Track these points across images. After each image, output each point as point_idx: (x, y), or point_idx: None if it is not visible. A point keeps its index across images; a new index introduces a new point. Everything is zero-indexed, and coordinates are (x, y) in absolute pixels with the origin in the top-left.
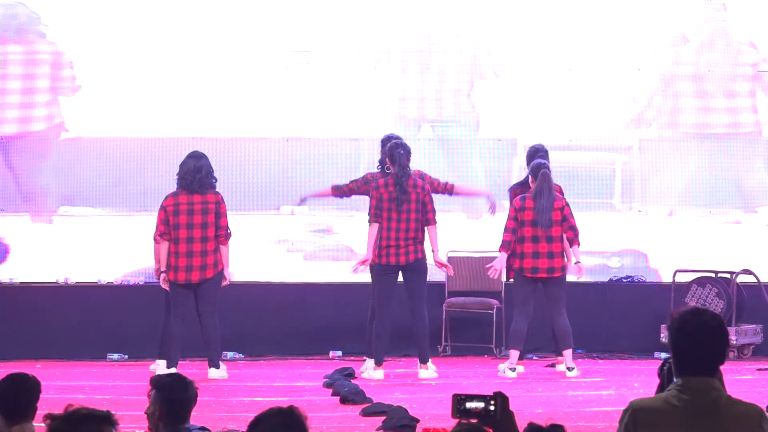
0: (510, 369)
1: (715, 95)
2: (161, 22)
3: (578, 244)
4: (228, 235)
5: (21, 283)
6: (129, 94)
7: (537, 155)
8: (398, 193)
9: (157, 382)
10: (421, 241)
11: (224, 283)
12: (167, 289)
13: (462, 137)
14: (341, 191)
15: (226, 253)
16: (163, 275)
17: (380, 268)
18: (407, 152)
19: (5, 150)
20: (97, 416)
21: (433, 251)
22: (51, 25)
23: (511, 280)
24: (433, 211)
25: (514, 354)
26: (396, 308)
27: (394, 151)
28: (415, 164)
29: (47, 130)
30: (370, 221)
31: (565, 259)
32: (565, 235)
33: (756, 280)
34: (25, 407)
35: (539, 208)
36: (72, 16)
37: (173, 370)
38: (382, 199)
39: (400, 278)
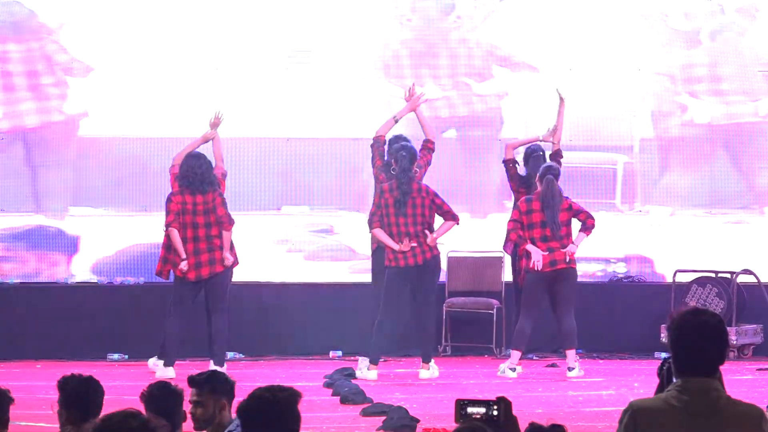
0: (510, 369)
1: (719, 96)
2: (161, 22)
3: (588, 234)
4: (231, 221)
5: (21, 283)
6: (129, 94)
7: (533, 155)
8: (402, 196)
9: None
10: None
11: (228, 263)
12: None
13: (463, 136)
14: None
15: (228, 238)
16: (183, 263)
17: (392, 270)
18: (411, 155)
19: (5, 150)
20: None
21: (432, 233)
22: (50, 25)
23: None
24: (450, 209)
25: (516, 354)
26: (399, 311)
27: (398, 153)
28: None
29: (47, 130)
30: (371, 227)
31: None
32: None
33: (756, 280)
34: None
35: (549, 217)
36: (72, 16)
37: (171, 369)
38: (388, 204)
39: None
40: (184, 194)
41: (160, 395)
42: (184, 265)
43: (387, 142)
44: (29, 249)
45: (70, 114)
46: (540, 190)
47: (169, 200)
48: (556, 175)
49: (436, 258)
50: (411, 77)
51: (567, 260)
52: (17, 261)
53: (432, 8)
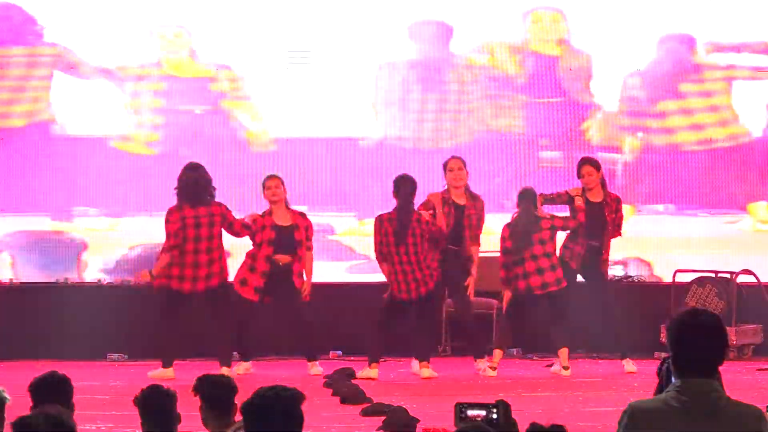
0: (491, 368)
1: (715, 96)
2: (161, 23)
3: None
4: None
5: (21, 283)
6: (129, 94)
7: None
8: (401, 228)
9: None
10: (431, 268)
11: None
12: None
13: (463, 137)
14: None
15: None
16: (143, 271)
17: (396, 299)
18: (413, 185)
19: (5, 149)
20: None
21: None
22: (48, 26)
23: None
24: (440, 239)
25: (498, 353)
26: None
27: (399, 182)
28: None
29: (46, 130)
30: (377, 260)
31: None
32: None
33: (756, 280)
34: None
35: (518, 234)
36: (72, 16)
37: (170, 370)
38: (387, 233)
39: None
40: (183, 209)
41: (153, 397)
42: (143, 274)
43: (393, 182)
44: (29, 249)
45: (69, 114)
46: (517, 215)
47: (167, 220)
48: (534, 197)
49: (438, 284)
50: (411, 77)
51: (557, 281)
52: (17, 261)
53: (429, 9)
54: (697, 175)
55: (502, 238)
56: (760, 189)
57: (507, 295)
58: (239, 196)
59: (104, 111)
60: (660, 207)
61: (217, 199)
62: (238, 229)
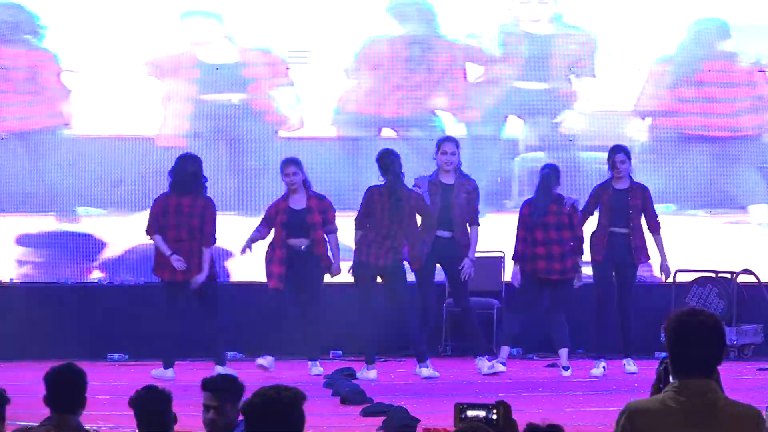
0: (500, 362)
1: (715, 96)
2: (161, 23)
3: (582, 253)
4: (212, 241)
5: (21, 283)
6: (129, 93)
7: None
8: (395, 201)
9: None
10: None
11: (200, 279)
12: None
13: (464, 137)
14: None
15: (208, 256)
16: (174, 258)
17: (359, 265)
18: (399, 160)
19: (6, 149)
20: None
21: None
22: (51, 25)
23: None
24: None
25: (505, 350)
26: (376, 306)
27: (387, 158)
28: (416, 163)
29: (48, 130)
30: (356, 227)
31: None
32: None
33: (756, 280)
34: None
35: (534, 210)
36: (72, 16)
37: (171, 371)
38: (376, 207)
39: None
40: (170, 197)
41: (149, 399)
42: (176, 262)
43: (377, 160)
44: (29, 249)
45: (68, 114)
46: (537, 191)
47: (152, 204)
48: (555, 172)
49: (397, 263)
50: (412, 76)
51: (563, 271)
52: (17, 261)
53: (430, 8)
54: (698, 175)
55: (522, 214)
56: (761, 189)
57: (516, 268)
58: (240, 189)
59: (114, 109)
60: (660, 207)
61: (226, 192)
62: (209, 229)
